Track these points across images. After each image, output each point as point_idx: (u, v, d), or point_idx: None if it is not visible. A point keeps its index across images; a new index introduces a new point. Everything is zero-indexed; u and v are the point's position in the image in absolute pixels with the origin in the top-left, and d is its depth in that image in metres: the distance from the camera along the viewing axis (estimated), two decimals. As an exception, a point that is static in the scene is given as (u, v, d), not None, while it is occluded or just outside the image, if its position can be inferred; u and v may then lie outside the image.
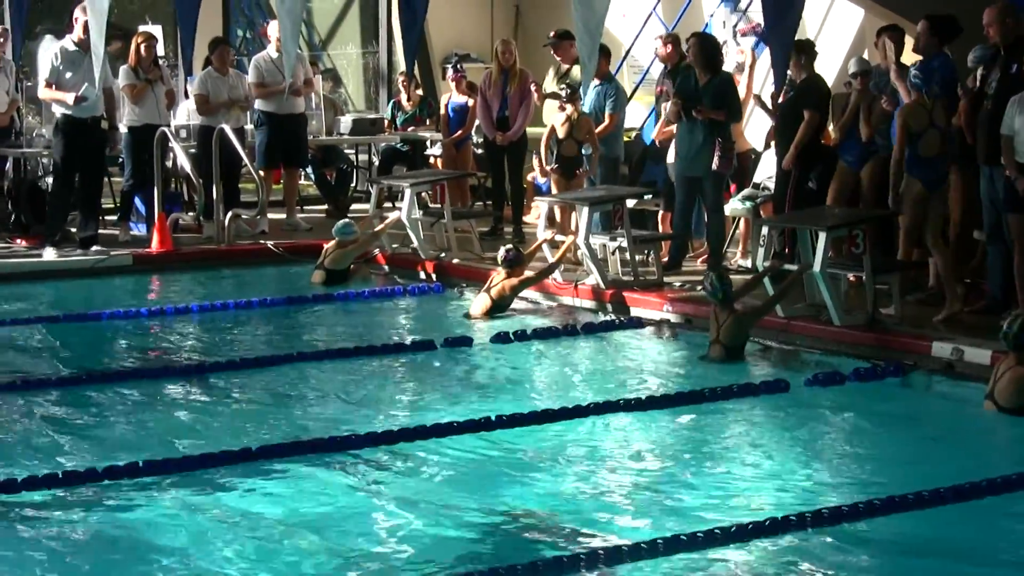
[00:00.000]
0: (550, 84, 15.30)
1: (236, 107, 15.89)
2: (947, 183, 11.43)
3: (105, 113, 14.79)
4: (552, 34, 15.39)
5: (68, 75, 14.37)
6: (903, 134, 11.29)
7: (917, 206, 11.33)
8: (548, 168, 14.33)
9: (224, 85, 15.96)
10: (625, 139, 15.30)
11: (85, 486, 7.65)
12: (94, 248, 14.55)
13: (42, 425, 9.00)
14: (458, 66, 17.61)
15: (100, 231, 15.07)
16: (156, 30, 16.79)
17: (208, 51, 16.35)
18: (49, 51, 14.50)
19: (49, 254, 14.42)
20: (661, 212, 14.44)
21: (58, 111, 14.53)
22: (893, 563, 6.78)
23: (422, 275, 14.11)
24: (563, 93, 14.44)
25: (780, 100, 12.92)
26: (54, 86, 14.40)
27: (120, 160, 16.75)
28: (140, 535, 7.02)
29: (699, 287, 12.48)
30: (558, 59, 15.34)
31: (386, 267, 14.59)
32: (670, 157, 14.20)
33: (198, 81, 16.10)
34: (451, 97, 17.18)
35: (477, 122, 18.08)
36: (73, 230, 15.09)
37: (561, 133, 14.25)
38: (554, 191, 14.33)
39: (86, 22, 14.31)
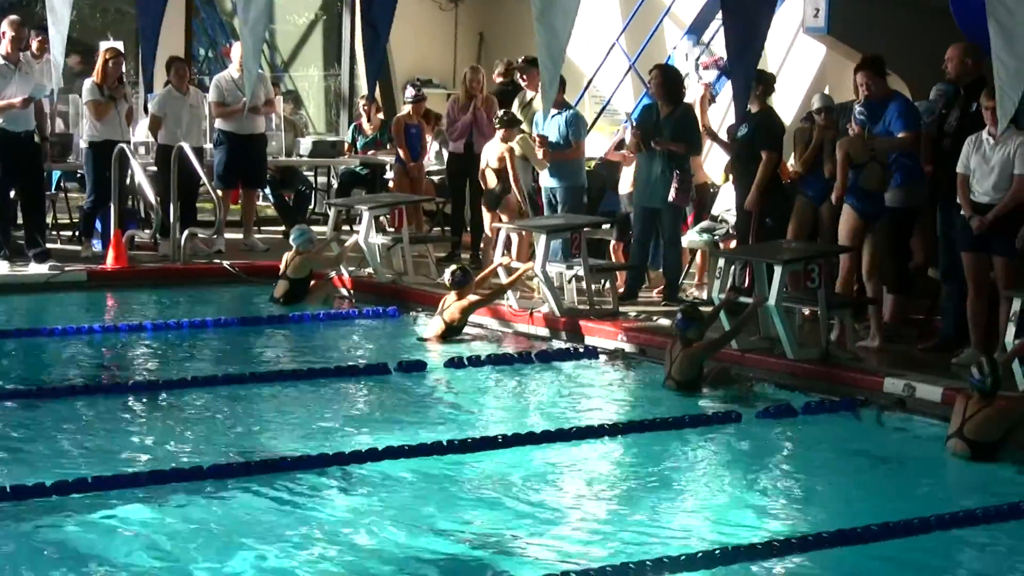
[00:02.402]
0: (515, 112, 15.33)
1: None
2: (886, 219, 11.55)
3: (37, 127, 14.76)
4: (522, 59, 15.44)
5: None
6: (844, 164, 11.50)
7: (855, 238, 11.49)
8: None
9: (183, 104, 15.97)
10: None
11: (33, 501, 7.60)
12: (48, 263, 14.50)
13: (-10, 439, 8.98)
14: (420, 91, 17.56)
15: (58, 246, 15.00)
16: (118, 47, 16.75)
17: (166, 71, 16.37)
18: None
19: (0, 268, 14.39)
20: (613, 242, 14.50)
21: None
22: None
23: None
24: (496, 121, 14.69)
25: (737, 133, 13.02)
26: None
27: (78, 175, 16.74)
28: (86, 551, 6.98)
29: (655, 318, 12.58)
30: (523, 85, 15.36)
31: (343, 291, 14.55)
32: (623, 188, 14.30)
33: (156, 101, 16.11)
34: (407, 118, 17.15)
35: (435, 149, 18.19)
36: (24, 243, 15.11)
37: (495, 164, 14.58)
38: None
39: (13, 37, 14.44)
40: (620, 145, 14.84)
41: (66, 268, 14.59)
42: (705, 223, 13.98)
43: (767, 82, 13.14)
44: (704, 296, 13.00)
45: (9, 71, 14.40)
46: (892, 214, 11.57)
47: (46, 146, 15.16)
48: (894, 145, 11.42)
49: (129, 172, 15.46)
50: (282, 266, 13.91)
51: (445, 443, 8.79)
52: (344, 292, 14.54)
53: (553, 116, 14.16)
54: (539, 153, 14.24)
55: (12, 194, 15.05)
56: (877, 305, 11.59)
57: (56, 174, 16.80)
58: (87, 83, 15.48)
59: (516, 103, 15.49)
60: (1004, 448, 8.93)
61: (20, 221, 15.97)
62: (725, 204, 14.03)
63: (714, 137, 14.10)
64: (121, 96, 15.51)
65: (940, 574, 7.19)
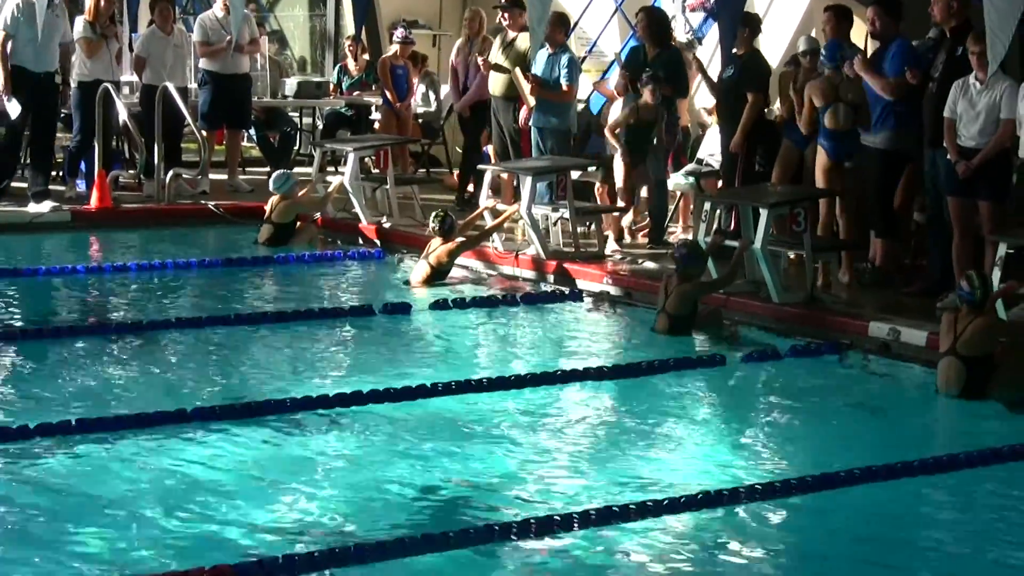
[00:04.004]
0: (496, 52, 15.23)
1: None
2: (857, 159, 11.60)
3: (60, 69, 14.64)
4: (504, -1, 15.35)
5: (26, 29, 14.21)
6: (809, 108, 11.68)
7: (828, 178, 11.61)
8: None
9: (167, 44, 15.84)
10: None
11: (17, 443, 7.57)
12: (48, 203, 14.45)
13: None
14: (409, 34, 17.52)
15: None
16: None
17: (150, 11, 16.26)
18: (11, 2, 14.33)
19: None
20: (599, 185, 14.45)
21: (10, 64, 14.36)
22: (823, 538, 6.81)
23: (363, 240, 14.09)
24: (643, 77, 13.34)
25: (722, 75, 12.99)
26: (10, 39, 14.25)
27: (63, 115, 16.63)
28: (67, 493, 6.95)
29: (641, 260, 12.57)
30: (505, 25, 15.23)
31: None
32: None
33: (140, 41, 16.03)
34: (393, 59, 17.15)
35: (421, 91, 18.16)
36: (16, 185, 15.03)
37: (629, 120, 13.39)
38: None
39: None
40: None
41: (63, 207, 14.53)
42: (690, 166, 13.95)
43: (753, 24, 13.09)
44: (689, 239, 12.94)
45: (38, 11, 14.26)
46: (881, 156, 11.56)
47: (67, 91, 15.06)
48: (880, 86, 11.39)
49: (114, 112, 15.34)
50: (267, 210, 13.84)
51: (429, 386, 8.76)
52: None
53: (549, 56, 14.09)
54: (527, 88, 14.22)
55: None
56: (856, 248, 11.67)
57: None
58: (79, 20, 15.33)
59: (497, 42, 15.35)
60: (989, 390, 8.95)
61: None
62: (709, 148, 14.00)
63: (705, 77, 13.95)
64: (113, 35, 15.41)
65: (923, 517, 7.21)
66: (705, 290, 10.87)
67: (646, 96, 13.14)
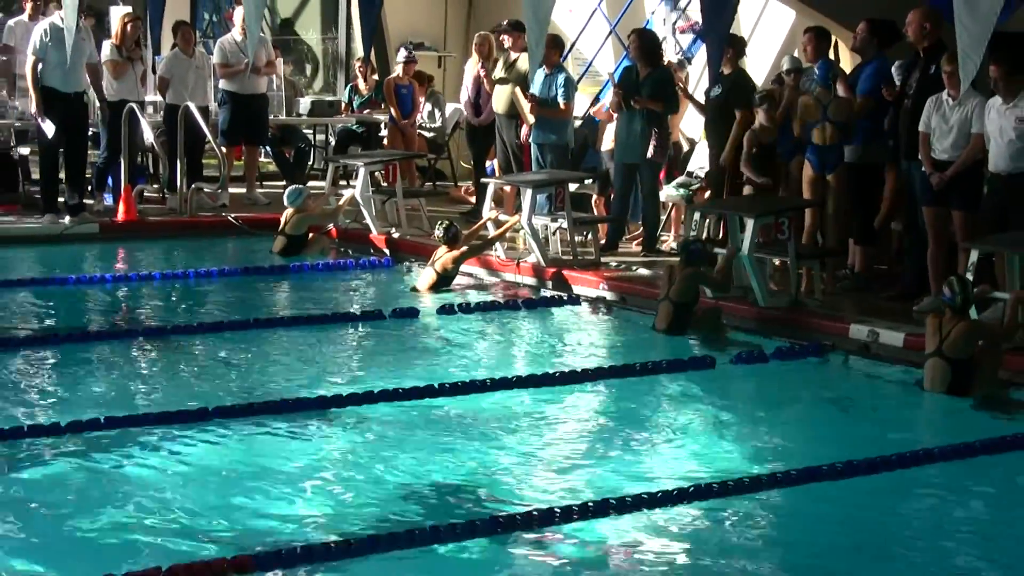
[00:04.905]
0: (499, 72, 15.26)
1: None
2: (846, 174, 11.64)
3: (93, 89, 14.62)
4: (505, 22, 15.37)
5: (55, 52, 14.20)
6: (798, 123, 11.81)
7: (813, 189, 11.69)
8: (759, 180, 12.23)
9: (189, 65, 15.87)
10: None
11: (48, 439, 7.58)
12: (81, 215, 14.48)
13: (5, 383, 8.92)
14: (412, 53, 17.63)
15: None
16: (127, 11, 16.63)
17: (172, 35, 16.29)
18: (39, 28, 14.33)
19: (47, 220, 14.40)
20: (595, 196, 14.49)
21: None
22: (808, 529, 6.81)
23: (373, 250, 14.09)
24: (756, 98, 12.45)
25: (709, 94, 13.01)
26: (40, 63, 14.24)
27: (90, 133, 16.67)
28: (98, 487, 6.96)
29: (635, 267, 12.58)
30: (507, 46, 15.26)
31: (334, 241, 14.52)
32: (604, 145, 14.27)
33: (164, 63, 16.04)
34: (398, 79, 17.26)
35: (427, 109, 18.19)
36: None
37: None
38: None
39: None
40: (595, 102, 14.81)
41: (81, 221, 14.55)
42: (681, 179, 13.96)
43: (738, 45, 13.14)
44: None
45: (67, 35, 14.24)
46: (853, 171, 11.61)
47: (104, 108, 15.06)
48: (859, 106, 11.46)
49: (139, 130, 15.35)
50: (281, 222, 13.84)
51: (436, 386, 8.77)
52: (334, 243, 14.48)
53: (546, 75, 14.13)
54: (527, 107, 14.25)
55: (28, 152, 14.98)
56: (837, 255, 11.75)
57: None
58: (106, 44, 15.34)
59: (500, 63, 15.38)
60: (970, 387, 8.96)
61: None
62: (699, 161, 14.01)
63: (689, 97, 14.03)
64: (138, 58, 15.43)
65: (901, 508, 7.20)
66: (706, 280, 10.90)
67: (761, 118, 12.29)
